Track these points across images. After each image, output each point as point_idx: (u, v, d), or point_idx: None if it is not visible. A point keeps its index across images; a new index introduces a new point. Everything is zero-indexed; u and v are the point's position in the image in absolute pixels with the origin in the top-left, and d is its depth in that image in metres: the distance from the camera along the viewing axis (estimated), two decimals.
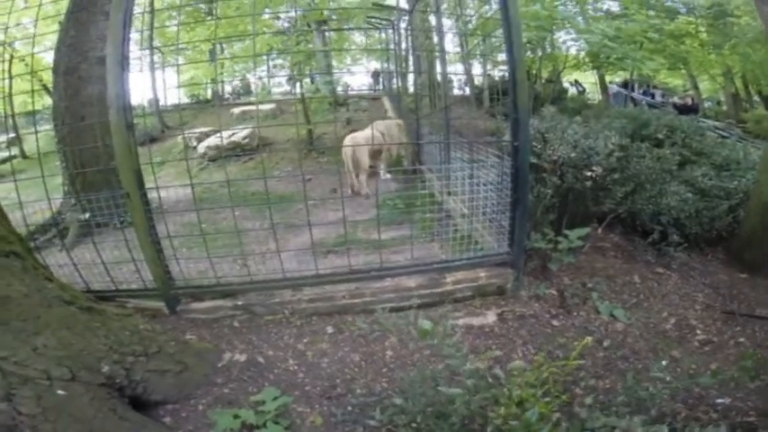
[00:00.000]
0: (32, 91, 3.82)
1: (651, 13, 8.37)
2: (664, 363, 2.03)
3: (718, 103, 15.58)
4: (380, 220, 4.26)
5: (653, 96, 12.67)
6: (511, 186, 2.89)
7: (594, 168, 3.05)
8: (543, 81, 11.63)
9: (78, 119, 5.19)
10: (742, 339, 2.92)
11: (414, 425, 1.62)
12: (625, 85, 12.70)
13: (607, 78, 13.03)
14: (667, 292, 3.43)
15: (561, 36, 9.90)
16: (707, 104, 14.88)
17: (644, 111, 4.89)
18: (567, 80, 13.36)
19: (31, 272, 2.09)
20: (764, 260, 3.72)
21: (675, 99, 12.87)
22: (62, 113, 5.33)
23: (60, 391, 1.89)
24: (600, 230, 4.00)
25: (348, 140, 6.36)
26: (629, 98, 10.64)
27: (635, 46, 6.89)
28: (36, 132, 3.42)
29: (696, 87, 14.48)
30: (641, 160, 3.43)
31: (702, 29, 10.63)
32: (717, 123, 10.02)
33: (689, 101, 12.25)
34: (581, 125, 3.47)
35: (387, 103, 11.51)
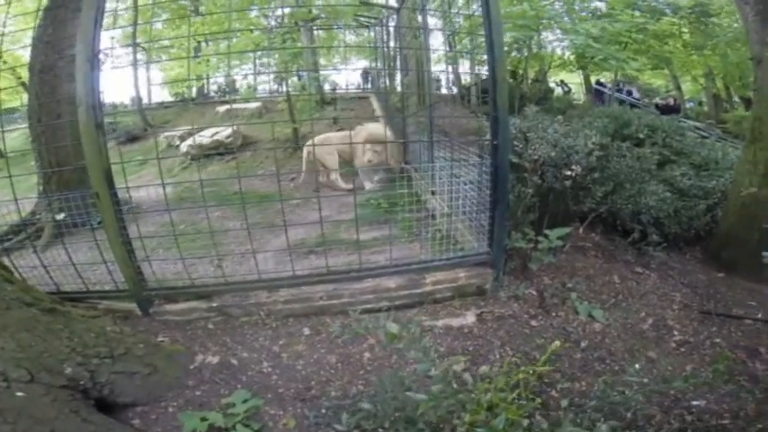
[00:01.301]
0: None
1: (636, 13, 8.43)
2: (637, 366, 2.02)
3: (700, 103, 15.80)
4: (362, 219, 4.24)
5: (629, 93, 12.82)
6: (490, 185, 2.86)
7: (574, 167, 3.04)
8: (530, 81, 11.68)
9: (54, 117, 5.09)
10: (718, 340, 2.94)
11: (381, 430, 1.58)
12: (600, 84, 12.84)
13: (592, 78, 13.13)
14: (646, 292, 3.44)
15: (548, 36, 9.95)
16: (688, 105, 15.08)
17: (626, 110, 4.91)
18: (553, 80, 13.45)
19: None
20: (741, 259, 3.77)
21: (657, 99, 13.02)
22: (37, 112, 5.22)
23: (19, 393, 1.86)
24: (581, 230, 4.00)
25: (310, 141, 6.50)
26: (611, 97, 10.76)
27: (620, 46, 6.93)
28: None
29: (679, 88, 14.67)
30: (621, 159, 3.44)
31: (685, 29, 10.75)
32: (697, 124, 10.15)
33: (671, 101, 12.42)
34: (562, 124, 3.46)
35: (374, 102, 11.45)
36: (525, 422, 1.43)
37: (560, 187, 3.14)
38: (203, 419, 2.08)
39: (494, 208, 2.88)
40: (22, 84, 8.50)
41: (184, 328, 2.91)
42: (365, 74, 16.14)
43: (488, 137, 2.99)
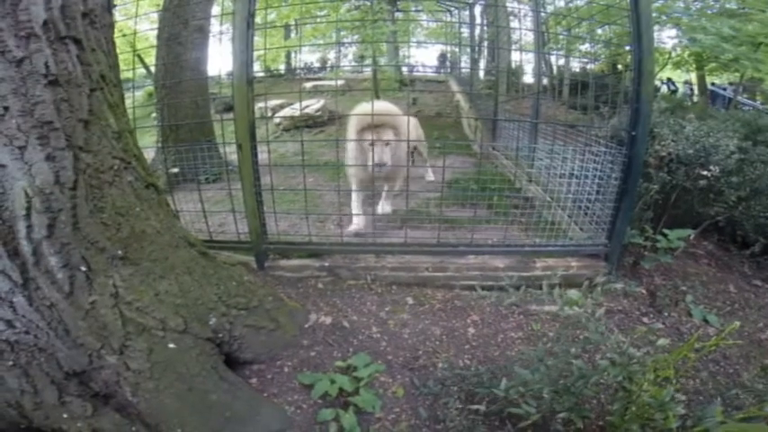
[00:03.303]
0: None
1: None
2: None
3: None
4: (455, 197, 4.24)
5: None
6: (620, 177, 2.77)
7: (712, 168, 2.85)
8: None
9: (176, 83, 5.53)
10: None
11: (545, 396, 1.60)
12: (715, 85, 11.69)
13: (708, 80, 11.94)
14: (765, 305, 3.20)
15: (659, 32, 9.14)
16: None
17: (760, 115, 4.43)
18: (658, 78, 12.48)
19: (165, 207, 2.07)
20: None
21: None
22: (163, 77, 5.71)
23: (171, 345, 1.80)
24: (692, 237, 3.78)
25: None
26: (730, 101, 9.80)
27: (751, 47, 6.20)
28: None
29: None
30: (761, 165, 3.17)
31: None
32: None
33: None
34: (699, 123, 3.25)
35: (454, 85, 11.32)
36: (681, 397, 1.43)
37: (691, 186, 2.97)
38: (332, 382, 2.05)
39: (620, 199, 2.78)
40: (138, 55, 9.23)
41: (296, 285, 3.04)
42: (442, 57, 15.93)
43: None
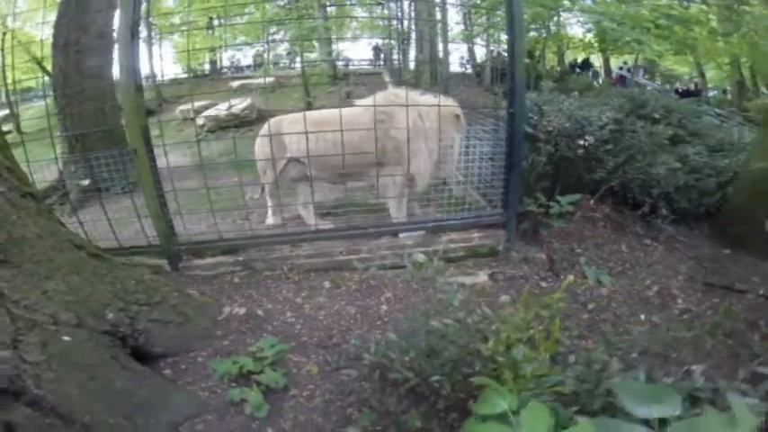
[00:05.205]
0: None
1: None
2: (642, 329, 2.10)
3: (724, 92, 15.47)
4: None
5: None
6: (506, 151, 2.98)
7: (587, 138, 3.15)
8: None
9: (78, 91, 5.25)
10: (720, 311, 3.02)
11: (407, 359, 1.69)
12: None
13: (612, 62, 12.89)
14: (652, 262, 3.55)
15: (568, 17, 9.80)
16: (712, 93, 14.79)
17: (643, 91, 4.94)
18: (569, 62, 13.30)
19: (46, 214, 2.12)
20: (748, 236, 3.82)
21: (678, 85, 12.85)
22: (62, 86, 5.38)
23: (66, 337, 1.87)
24: (592, 202, 4.10)
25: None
26: (631, 80, 10.69)
27: (642, 30, 6.82)
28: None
29: (702, 75, 14.40)
30: (634, 134, 3.52)
31: (713, 16, 10.44)
32: (719, 110, 9.98)
33: (691, 86, 12.28)
34: (577, 99, 3.57)
35: (387, 77, 11.50)
36: (540, 357, 1.54)
37: (573, 156, 3.26)
38: (234, 363, 2.18)
39: (509, 172, 3.01)
40: (38, 63, 8.62)
41: (211, 282, 3.06)
42: (377, 50, 16.11)
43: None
